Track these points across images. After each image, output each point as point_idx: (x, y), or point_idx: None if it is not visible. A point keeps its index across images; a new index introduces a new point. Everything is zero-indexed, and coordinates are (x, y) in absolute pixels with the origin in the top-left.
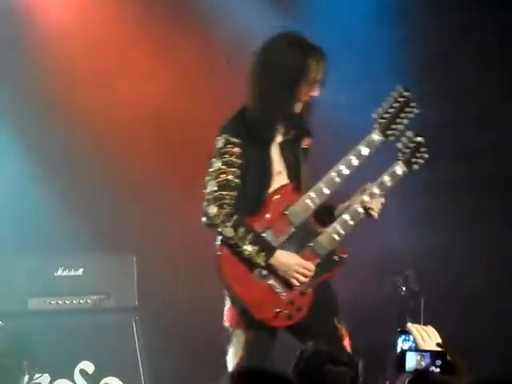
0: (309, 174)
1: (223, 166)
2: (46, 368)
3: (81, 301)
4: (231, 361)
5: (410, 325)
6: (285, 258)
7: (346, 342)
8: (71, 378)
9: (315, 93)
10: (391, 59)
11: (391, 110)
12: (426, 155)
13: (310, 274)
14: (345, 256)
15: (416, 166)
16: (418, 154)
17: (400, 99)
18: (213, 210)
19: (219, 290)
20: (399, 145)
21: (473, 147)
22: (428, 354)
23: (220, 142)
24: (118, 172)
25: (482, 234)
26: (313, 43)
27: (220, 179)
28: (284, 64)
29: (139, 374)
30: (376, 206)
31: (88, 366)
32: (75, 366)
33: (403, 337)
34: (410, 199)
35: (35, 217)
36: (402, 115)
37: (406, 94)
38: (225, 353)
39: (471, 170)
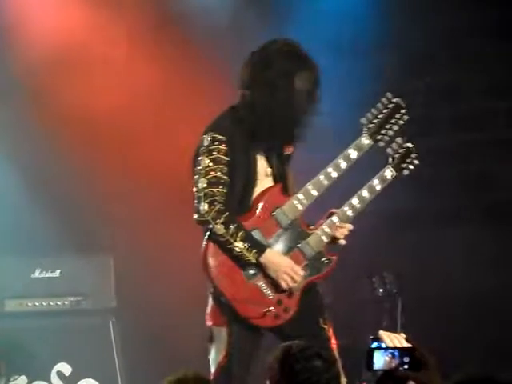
0: (294, 179)
1: (211, 164)
2: (23, 370)
3: (58, 302)
4: (214, 359)
5: (381, 332)
6: (276, 258)
7: (333, 344)
8: (48, 380)
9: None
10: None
11: (380, 116)
12: (416, 161)
13: (299, 278)
14: (334, 258)
15: (406, 172)
16: (407, 160)
17: (389, 105)
18: (204, 206)
19: (198, 290)
20: (389, 150)
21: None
22: (396, 351)
23: (206, 140)
24: (95, 172)
25: (461, 234)
26: (305, 54)
27: (209, 176)
28: (277, 72)
29: (116, 375)
30: (341, 234)
31: (65, 368)
32: (52, 368)
33: (375, 344)
34: (388, 200)
35: (12, 218)
36: (392, 121)
37: (396, 100)
38: (203, 354)
39: (457, 168)
